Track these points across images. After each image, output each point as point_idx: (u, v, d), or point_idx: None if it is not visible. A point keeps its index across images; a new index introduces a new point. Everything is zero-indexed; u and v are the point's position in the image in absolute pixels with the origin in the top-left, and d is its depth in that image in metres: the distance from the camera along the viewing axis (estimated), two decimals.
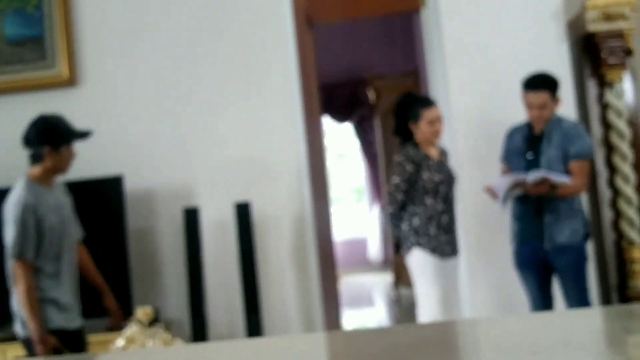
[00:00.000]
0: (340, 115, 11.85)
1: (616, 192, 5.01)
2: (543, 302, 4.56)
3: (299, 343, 2.18)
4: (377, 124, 10.09)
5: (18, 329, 3.78)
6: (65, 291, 3.82)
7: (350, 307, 9.42)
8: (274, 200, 5.27)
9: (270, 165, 5.31)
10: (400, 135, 4.68)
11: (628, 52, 4.99)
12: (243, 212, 5.01)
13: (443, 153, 4.67)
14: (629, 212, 4.97)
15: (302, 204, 5.30)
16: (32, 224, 3.64)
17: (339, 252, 11.59)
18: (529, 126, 4.57)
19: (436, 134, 4.55)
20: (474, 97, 5.16)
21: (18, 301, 3.72)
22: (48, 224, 3.70)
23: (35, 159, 3.78)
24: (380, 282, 11.27)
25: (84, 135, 3.89)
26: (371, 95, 9.80)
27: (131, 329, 2.91)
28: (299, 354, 1.93)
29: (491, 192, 4.51)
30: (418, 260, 4.44)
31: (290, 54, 5.36)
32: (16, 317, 3.79)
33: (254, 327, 5.00)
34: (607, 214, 5.06)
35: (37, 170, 3.76)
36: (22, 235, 3.62)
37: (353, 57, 11.11)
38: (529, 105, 4.47)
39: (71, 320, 3.86)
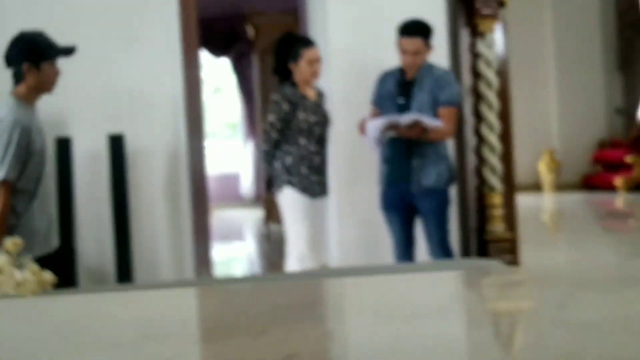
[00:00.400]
0: (218, 49, 11.74)
1: (481, 140, 5.21)
2: (406, 242, 4.76)
3: (169, 299, 2.20)
4: (255, 61, 10.07)
5: None
6: (45, 217, 3.67)
7: (221, 241, 9.48)
8: (148, 133, 5.21)
9: (146, 97, 5.22)
10: (279, 74, 4.71)
11: (501, 4, 5.16)
12: (116, 145, 4.95)
13: (320, 94, 4.73)
14: (492, 159, 5.20)
15: (176, 138, 5.27)
16: (24, 144, 3.45)
17: (212, 186, 11.57)
18: (401, 71, 4.67)
19: (315, 74, 4.60)
20: (352, 39, 5.23)
21: None
22: (35, 147, 3.52)
23: (17, 77, 3.56)
24: (252, 218, 11.39)
25: (67, 51, 3.67)
26: (250, 31, 9.74)
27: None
28: (168, 312, 1.95)
29: (362, 128, 4.61)
30: (289, 199, 4.53)
31: None
32: None
33: (124, 260, 4.99)
34: (471, 160, 5.28)
35: (21, 89, 3.55)
36: (11, 155, 3.42)
37: None
38: (403, 51, 4.57)
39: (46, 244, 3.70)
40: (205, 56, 11.33)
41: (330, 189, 4.86)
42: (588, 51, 13.02)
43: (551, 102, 12.87)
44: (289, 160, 4.54)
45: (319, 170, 4.61)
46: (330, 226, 4.96)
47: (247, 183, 12.49)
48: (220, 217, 11.38)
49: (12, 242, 2.91)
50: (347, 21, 5.24)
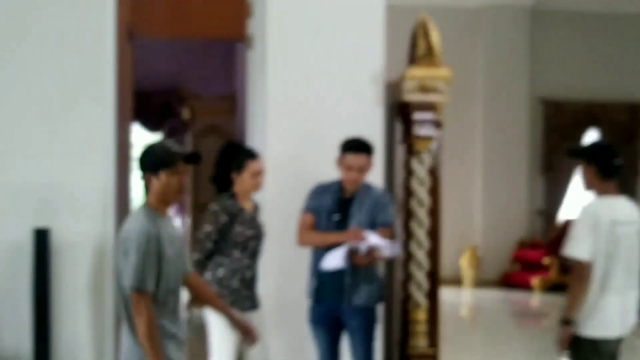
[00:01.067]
0: (151, 124, 11.66)
1: (409, 256, 5.28)
2: (331, 357, 4.73)
3: None
4: (188, 142, 10.01)
5: None
6: (180, 325, 3.51)
7: None
8: (75, 228, 5.13)
9: (74, 189, 5.16)
10: (217, 183, 4.66)
11: (438, 125, 5.28)
12: (41, 239, 4.85)
13: (256, 207, 4.71)
14: (418, 275, 5.26)
15: (105, 231, 5.19)
16: (154, 254, 3.32)
17: None
18: (339, 187, 4.68)
19: (257, 186, 4.59)
20: (289, 146, 5.27)
21: (135, 335, 3.35)
22: (167, 256, 3.38)
23: (145, 186, 3.48)
24: None
25: (191, 158, 3.56)
26: (185, 113, 9.74)
27: None
28: None
29: (302, 238, 4.65)
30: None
31: (108, 67, 5.28)
32: (132, 352, 3.39)
33: (42, 354, 4.86)
34: (399, 275, 5.33)
35: (151, 198, 3.46)
36: (145, 266, 3.28)
37: (171, 69, 10.96)
38: (349, 167, 4.57)
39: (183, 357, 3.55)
40: (137, 130, 11.24)
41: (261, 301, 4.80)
42: (514, 153, 13.38)
43: (476, 200, 13.14)
44: (220, 272, 4.50)
45: (249, 284, 4.57)
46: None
47: None
48: None
49: None
50: (286, 127, 5.29)
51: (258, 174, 4.56)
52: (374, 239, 4.42)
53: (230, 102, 9.34)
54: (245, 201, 4.60)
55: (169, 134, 11.91)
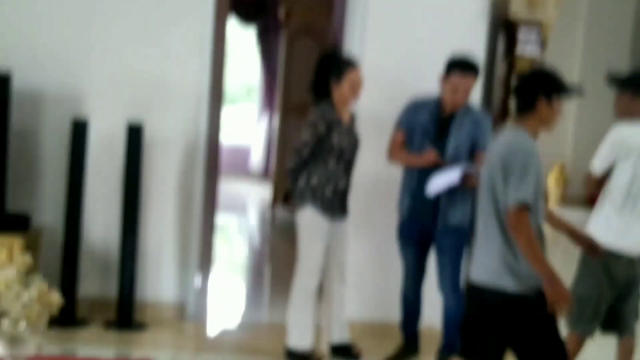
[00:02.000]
0: (246, 17, 11.56)
1: None
2: (416, 274, 4.69)
3: None
4: (282, 41, 9.88)
5: (507, 283, 3.36)
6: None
7: (226, 214, 9.42)
8: (168, 123, 5.15)
9: (169, 82, 5.14)
10: (316, 92, 4.58)
11: (542, 44, 5.07)
12: (135, 134, 4.89)
13: (353, 118, 4.64)
14: None
15: (197, 132, 5.20)
16: (534, 175, 3.38)
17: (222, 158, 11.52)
18: (437, 106, 4.53)
19: (355, 96, 4.50)
20: (388, 59, 5.13)
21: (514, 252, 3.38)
22: (539, 177, 3.44)
23: (525, 109, 3.48)
24: (258, 195, 11.32)
25: (576, 91, 3.54)
26: (281, 12, 9.58)
27: (7, 274, 2.81)
28: None
29: (392, 154, 4.57)
30: (308, 218, 4.46)
31: None
32: (501, 270, 3.38)
33: (129, 247, 4.97)
34: None
35: (531, 121, 3.46)
36: (529, 185, 3.33)
37: None
38: (454, 87, 4.38)
39: None
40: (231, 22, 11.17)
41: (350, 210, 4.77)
42: (614, 68, 12.90)
43: (569, 116, 12.74)
44: (314, 180, 4.46)
45: (342, 194, 4.54)
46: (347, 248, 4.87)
47: (257, 158, 12.40)
48: (227, 189, 11.32)
49: (22, 260, 2.87)
50: (385, 38, 5.12)
51: (357, 83, 4.46)
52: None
53: (328, 4, 9.11)
54: (343, 111, 4.52)
55: (263, 31, 11.84)
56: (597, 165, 4.10)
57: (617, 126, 4.10)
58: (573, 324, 4.09)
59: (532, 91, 3.43)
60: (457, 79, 4.38)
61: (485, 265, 3.42)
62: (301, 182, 4.50)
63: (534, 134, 3.45)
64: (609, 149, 4.06)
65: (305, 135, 4.44)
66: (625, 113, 4.13)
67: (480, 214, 3.47)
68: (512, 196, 3.31)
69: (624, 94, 4.12)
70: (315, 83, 4.58)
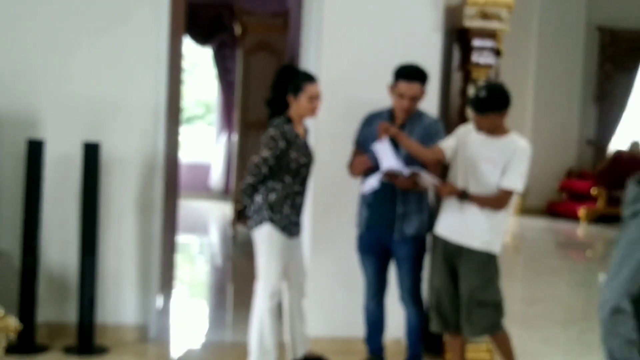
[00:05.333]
0: (201, 37, 11.56)
1: None
2: (378, 286, 4.69)
3: None
4: (238, 58, 9.88)
5: None
6: None
7: (186, 233, 9.36)
8: (126, 142, 5.10)
9: (126, 102, 5.10)
10: (273, 107, 4.56)
11: (497, 53, 5.10)
12: (91, 153, 4.83)
13: (306, 132, 4.63)
14: None
15: (155, 151, 5.16)
16: None
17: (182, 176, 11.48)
18: (390, 115, 4.57)
19: (313, 110, 4.49)
20: (345, 72, 5.12)
21: None
22: None
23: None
24: (219, 212, 11.26)
25: None
26: (237, 29, 9.57)
27: None
28: None
29: (352, 168, 4.55)
30: (266, 235, 4.43)
31: None
32: None
33: (88, 269, 4.89)
34: None
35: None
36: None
37: None
38: (401, 95, 4.44)
39: None
40: (187, 42, 11.16)
41: (307, 225, 4.76)
42: (567, 81, 13.16)
43: (526, 127, 12.92)
44: (272, 197, 4.43)
45: (299, 210, 4.53)
46: (305, 262, 4.85)
47: (217, 175, 12.35)
48: (186, 208, 11.26)
49: None
50: (340, 50, 5.13)
51: (315, 97, 4.45)
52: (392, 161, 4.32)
53: (283, 19, 9.15)
54: (299, 126, 4.51)
55: (218, 49, 11.82)
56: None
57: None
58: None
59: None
60: (403, 86, 4.42)
61: None
62: (258, 199, 4.46)
63: None
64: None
65: (264, 151, 4.39)
66: (491, 130, 4.29)
67: None
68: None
69: (487, 115, 4.22)
70: (273, 98, 4.56)
